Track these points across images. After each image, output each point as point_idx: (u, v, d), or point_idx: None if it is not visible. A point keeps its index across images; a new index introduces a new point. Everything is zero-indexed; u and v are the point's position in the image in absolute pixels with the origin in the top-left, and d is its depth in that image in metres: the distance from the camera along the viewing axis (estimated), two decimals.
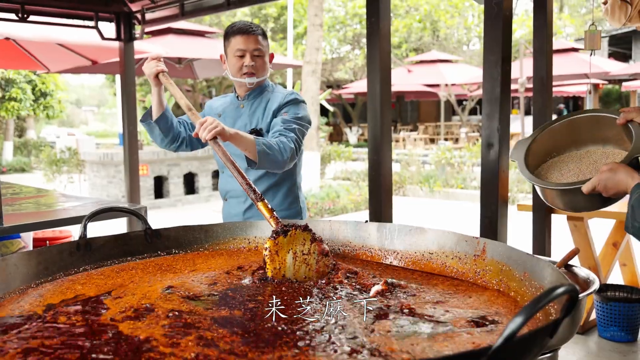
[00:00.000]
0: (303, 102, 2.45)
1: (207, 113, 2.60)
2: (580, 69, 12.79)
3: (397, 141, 18.12)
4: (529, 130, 14.41)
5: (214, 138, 1.85)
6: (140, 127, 13.10)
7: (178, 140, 2.48)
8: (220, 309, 1.19)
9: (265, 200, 1.59)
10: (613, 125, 1.74)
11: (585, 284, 1.79)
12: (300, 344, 1.01)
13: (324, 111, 20.69)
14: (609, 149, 1.81)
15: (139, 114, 13.01)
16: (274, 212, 1.56)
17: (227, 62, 2.45)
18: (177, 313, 1.14)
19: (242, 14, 20.07)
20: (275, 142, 2.19)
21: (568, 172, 1.79)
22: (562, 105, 23.70)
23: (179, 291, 1.29)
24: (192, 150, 2.58)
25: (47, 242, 3.78)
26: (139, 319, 1.12)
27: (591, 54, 3.43)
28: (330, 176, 12.66)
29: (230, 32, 2.41)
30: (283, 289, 1.37)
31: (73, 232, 4.17)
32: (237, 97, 2.53)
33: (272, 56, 2.52)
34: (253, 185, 1.62)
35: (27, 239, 2.96)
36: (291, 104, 2.39)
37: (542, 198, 1.83)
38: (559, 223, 4.25)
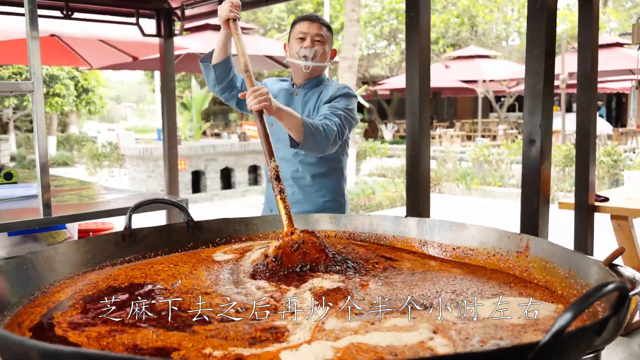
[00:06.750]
0: (355, 97, 2.42)
1: None
2: (624, 65, 12.38)
3: (433, 138, 17.93)
4: (570, 128, 14.02)
5: (260, 110, 1.77)
6: (179, 123, 13.32)
7: (230, 92, 2.45)
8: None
9: (286, 195, 1.53)
10: None
11: (631, 284, 1.74)
12: None
13: (359, 107, 20.54)
14: None
15: (178, 109, 13.07)
16: (290, 212, 1.50)
17: (288, 48, 2.45)
18: None
19: (278, 10, 20.17)
20: (320, 123, 2.15)
21: None
22: (600, 103, 22.95)
23: None
24: (239, 109, 2.51)
25: (90, 233, 3.89)
26: None
27: (639, 49, 3.33)
28: (365, 172, 12.62)
29: (296, 20, 2.44)
30: None
31: (115, 224, 4.28)
32: (293, 84, 2.49)
33: (334, 52, 2.47)
34: (279, 174, 1.55)
35: (72, 230, 3.04)
36: (343, 96, 2.36)
37: None
38: (602, 222, 4.13)
